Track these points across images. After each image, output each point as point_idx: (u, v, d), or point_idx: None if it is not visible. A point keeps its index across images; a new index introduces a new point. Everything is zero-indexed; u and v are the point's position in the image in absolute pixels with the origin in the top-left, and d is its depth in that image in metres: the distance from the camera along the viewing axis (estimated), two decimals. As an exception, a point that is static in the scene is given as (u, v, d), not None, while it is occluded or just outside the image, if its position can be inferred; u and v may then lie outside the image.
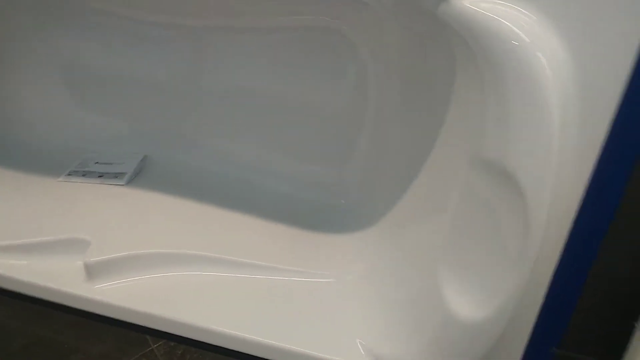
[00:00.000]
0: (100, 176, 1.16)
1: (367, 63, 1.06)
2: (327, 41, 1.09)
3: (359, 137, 1.11)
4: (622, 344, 0.78)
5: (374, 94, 1.06)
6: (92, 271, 0.94)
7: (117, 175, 1.16)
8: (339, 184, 1.15)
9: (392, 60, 0.99)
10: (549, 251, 0.76)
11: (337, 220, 1.09)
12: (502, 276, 0.74)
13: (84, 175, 1.16)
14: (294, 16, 1.09)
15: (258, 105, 1.20)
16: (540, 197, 0.68)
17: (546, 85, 0.63)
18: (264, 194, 1.17)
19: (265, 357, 0.90)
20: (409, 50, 0.94)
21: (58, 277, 0.96)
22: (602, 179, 0.72)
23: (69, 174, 1.16)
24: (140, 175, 1.19)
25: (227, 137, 1.24)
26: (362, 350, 0.89)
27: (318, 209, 1.13)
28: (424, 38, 0.88)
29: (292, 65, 1.14)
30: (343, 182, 1.15)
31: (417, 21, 0.87)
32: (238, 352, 0.90)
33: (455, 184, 0.80)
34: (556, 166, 0.66)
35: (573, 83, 0.63)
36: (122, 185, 1.14)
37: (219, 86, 1.21)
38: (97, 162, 1.20)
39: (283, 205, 1.14)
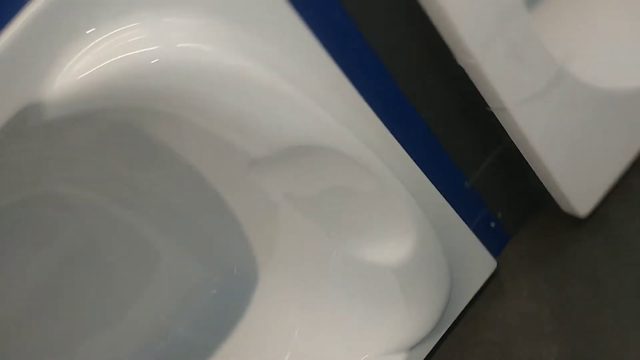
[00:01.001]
0: None
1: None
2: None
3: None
4: (497, 128, 0.77)
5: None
6: None
7: None
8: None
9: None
10: (391, 150, 0.71)
11: (233, 304, 0.95)
12: (388, 213, 0.69)
13: None
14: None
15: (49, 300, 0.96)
16: (343, 137, 0.61)
17: (221, 62, 0.53)
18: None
19: None
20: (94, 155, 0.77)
21: None
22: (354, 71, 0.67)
23: None
24: None
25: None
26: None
27: (211, 312, 0.98)
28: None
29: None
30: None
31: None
32: None
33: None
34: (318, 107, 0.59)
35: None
36: None
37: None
38: None
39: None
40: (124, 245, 0.88)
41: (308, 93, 0.62)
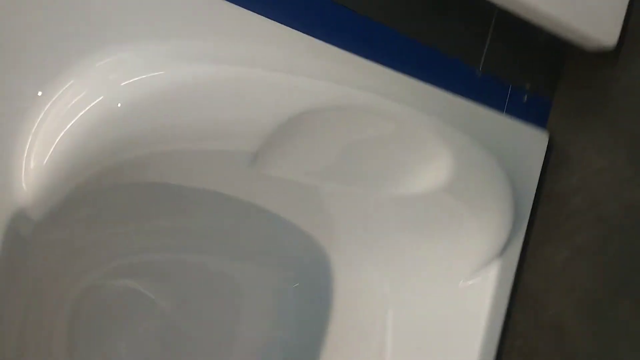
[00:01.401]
0: None
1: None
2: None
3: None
4: (481, 2, 0.71)
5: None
6: None
7: None
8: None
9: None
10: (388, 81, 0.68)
11: (318, 289, 0.95)
12: (414, 141, 0.68)
13: None
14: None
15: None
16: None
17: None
18: None
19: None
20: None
21: None
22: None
23: None
24: None
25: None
26: (471, 282, 0.81)
27: (301, 304, 0.98)
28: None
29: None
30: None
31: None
32: None
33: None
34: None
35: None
36: None
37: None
38: None
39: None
40: (207, 286, 0.90)
41: (275, 67, 0.60)
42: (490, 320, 0.79)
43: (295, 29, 0.63)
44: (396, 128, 0.67)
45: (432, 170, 0.71)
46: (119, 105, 0.50)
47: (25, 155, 0.51)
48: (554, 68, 0.85)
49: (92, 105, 0.48)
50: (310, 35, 0.65)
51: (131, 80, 0.51)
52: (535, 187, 0.83)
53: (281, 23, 0.61)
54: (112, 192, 0.60)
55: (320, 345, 0.92)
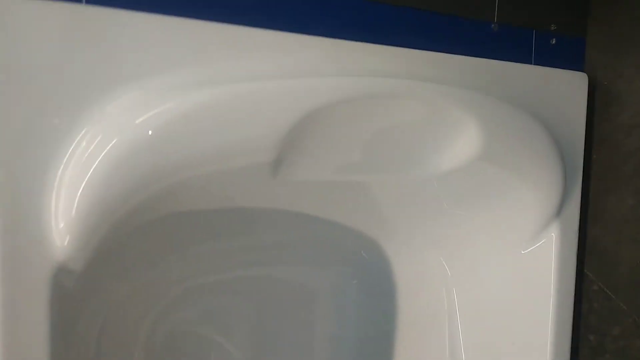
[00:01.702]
0: None
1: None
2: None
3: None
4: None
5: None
6: None
7: None
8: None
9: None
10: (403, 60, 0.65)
11: (377, 280, 0.93)
12: (439, 118, 0.64)
13: None
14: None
15: None
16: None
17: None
18: None
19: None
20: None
21: None
22: None
23: None
24: None
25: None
26: (533, 247, 0.75)
27: (362, 299, 0.96)
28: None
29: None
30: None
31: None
32: None
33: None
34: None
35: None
36: None
37: None
38: None
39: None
40: (271, 297, 0.89)
41: (281, 74, 0.58)
42: (561, 285, 0.73)
43: (295, 32, 0.61)
44: (416, 106, 0.64)
45: (462, 141, 0.67)
46: (150, 132, 0.51)
47: (52, 210, 0.52)
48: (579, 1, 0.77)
49: (109, 148, 0.49)
50: (312, 35, 0.62)
51: (145, 117, 0.51)
52: (584, 134, 0.76)
53: (279, 30, 0.60)
54: (155, 225, 0.61)
55: (392, 336, 0.89)
